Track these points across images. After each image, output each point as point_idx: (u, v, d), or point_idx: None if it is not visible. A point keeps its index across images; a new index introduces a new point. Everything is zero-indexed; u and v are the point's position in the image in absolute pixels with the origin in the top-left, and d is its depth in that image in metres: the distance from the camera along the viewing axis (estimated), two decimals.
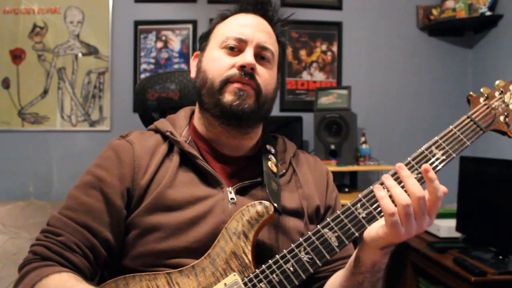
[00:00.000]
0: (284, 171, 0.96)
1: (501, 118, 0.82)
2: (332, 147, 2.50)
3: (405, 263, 2.40)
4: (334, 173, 2.59)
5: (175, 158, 0.89)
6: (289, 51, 2.90)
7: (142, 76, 2.83)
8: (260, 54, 0.91)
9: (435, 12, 2.86)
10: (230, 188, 0.88)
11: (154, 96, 1.22)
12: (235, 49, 0.90)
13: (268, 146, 0.99)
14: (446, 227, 2.29)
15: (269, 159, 0.95)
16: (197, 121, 0.97)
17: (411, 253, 2.32)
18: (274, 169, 0.94)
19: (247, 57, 0.87)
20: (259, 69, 0.90)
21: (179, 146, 0.90)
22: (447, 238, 2.28)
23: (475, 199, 2.21)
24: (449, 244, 2.17)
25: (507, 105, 0.83)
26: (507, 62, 2.57)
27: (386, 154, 2.79)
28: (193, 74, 0.98)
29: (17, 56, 2.78)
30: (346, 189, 2.50)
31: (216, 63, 0.90)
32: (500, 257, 1.95)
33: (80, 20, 2.81)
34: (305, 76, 2.91)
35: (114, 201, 0.83)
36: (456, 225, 2.26)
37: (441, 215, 2.41)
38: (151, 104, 1.21)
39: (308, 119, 2.71)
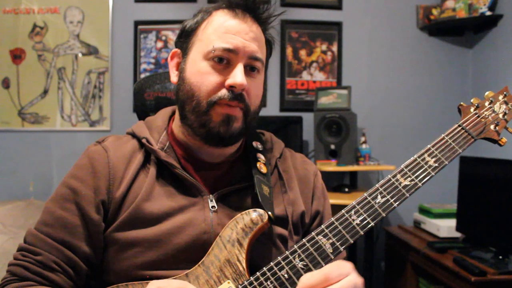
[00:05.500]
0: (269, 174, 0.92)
1: (492, 126, 0.84)
2: (332, 147, 2.50)
3: (405, 263, 2.39)
4: (334, 173, 2.63)
5: (152, 168, 0.85)
6: (289, 51, 2.90)
7: (142, 76, 2.83)
8: (250, 65, 0.85)
9: (435, 12, 2.85)
10: (210, 196, 0.85)
11: (152, 96, 1.22)
12: (224, 61, 0.82)
13: (255, 143, 0.95)
14: (446, 227, 2.29)
15: (257, 160, 0.91)
16: (176, 126, 0.91)
17: (411, 253, 2.32)
18: (264, 170, 0.90)
19: (238, 77, 0.80)
20: (249, 84, 0.83)
21: (155, 155, 0.86)
22: (447, 238, 2.28)
23: (475, 199, 2.21)
24: (449, 244, 2.17)
25: (497, 114, 0.86)
26: (507, 62, 2.56)
27: (386, 154, 2.78)
28: (173, 78, 0.91)
29: (17, 56, 2.78)
30: (346, 189, 2.50)
31: (203, 79, 0.82)
32: (500, 257, 1.95)
33: (80, 20, 2.81)
34: (305, 76, 2.91)
35: (90, 214, 0.81)
36: (456, 225, 2.26)
37: (441, 215, 2.41)
38: (149, 104, 1.21)
39: (308, 119, 2.71)
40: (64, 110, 2.80)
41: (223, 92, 0.81)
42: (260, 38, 0.87)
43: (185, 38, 0.89)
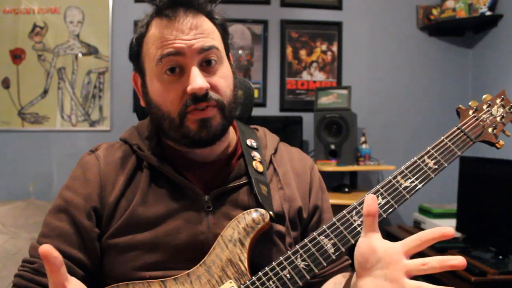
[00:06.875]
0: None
1: (490, 129, 0.86)
2: (332, 147, 2.50)
3: None
4: (334, 173, 2.64)
5: (145, 172, 0.86)
6: (289, 51, 2.90)
7: None
8: (206, 58, 0.81)
9: (435, 12, 2.86)
10: (205, 196, 0.84)
11: None
12: (176, 69, 0.80)
13: (249, 141, 0.94)
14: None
15: (253, 158, 0.90)
16: None
17: None
18: (260, 168, 0.89)
19: (195, 82, 0.78)
20: (212, 80, 0.81)
21: (147, 161, 0.87)
22: None
23: (475, 199, 2.21)
24: (449, 244, 2.17)
25: (495, 117, 0.87)
26: (507, 62, 2.56)
27: (386, 154, 2.78)
28: (141, 102, 0.89)
29: (17, 56, 2.78)
30: (346, 189, 2.50)
31: (165, 97, 0.81)
32: (500, 257, 1.95)
33: (80, 20, 2.81)
34: (305, 76, 2.91)
35: (81, 221, 0.82)
36: (456, 225, 2.26)
37: (441, 215, 2.41)
38: None
39: (308, 119, 2.71)
40: (64, 110, 2.80)
41: (187, 100, 0.79)
42: (204, 27, 0.82)
43: (136, 61, 0.88)
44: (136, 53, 0.87)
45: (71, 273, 0.79)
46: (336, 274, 0.92)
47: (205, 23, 0.83)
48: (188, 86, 0.78)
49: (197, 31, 0.80)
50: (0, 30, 2.77)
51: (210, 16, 0.85)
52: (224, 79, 0.84)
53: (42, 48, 2.79)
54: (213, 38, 0.83)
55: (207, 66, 0.82)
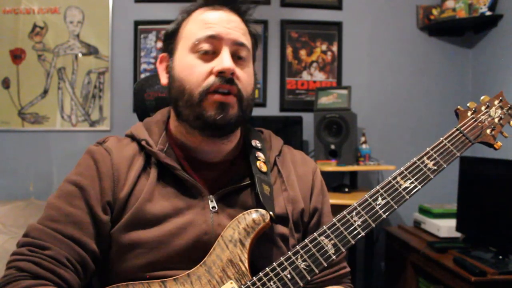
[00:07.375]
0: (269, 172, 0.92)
1: (488, 131, 0.88)
2: (332, 147, 2.50)
3: (405, 263, 2.40)
4: (334, 173, 2.64)
5: (153, 170, 0.85)
6: (289, 51, 2.90)
7: (142, 76, 2.83)
8: (237, 54, 0.85)
9: (435, 12, 2.85)
10: (211, 196, 0.85)
11: (152, 96, 1.22)
12: (210, 52, 0.83)
13: (254, 142, 0.95)
14: (446, 227, 2.29)
15: (257, 158, 0.91)
16: (174, 126, 0.91)
17: (411, 253, 2.32)
18: (264, 168, 0.90)
19: (225, 61, 0.81)
20: (238, 72, 0.84)
21: (155, 157, 0.86)
22: (447, 238, 2.28)
23: (475, 199, 2.21)
24: (449, 244, 2.17)
25: (493, 119, 0.89)
26: (507, 62, 2.56)
27: (386, 154, 2.78)
28: (164, 80, 0.91)
29: (17, 56, 2.78)
30: (346, 189, 2.50)
31: (192, 71, 0.83)
32: (500, 257, 1.95)
33: (80, 20, 2.81)
34: (305, 76, 2.91)
35: (98, 213, 0.80)
36: (456, 225, 2.26)
37: (441, 215, 2.41)
38: (149, 104, 1.21)
39: (308, 119, 2.71)
40: (64, 110, 2.80)
41: (212, 79, 0.82)
42: (243, 27, 0.88)
43: (169, 40, 0.91)
44: (172, 34, 0.90)
45: (84, 265, 0.78)
46: (333, 282, 0.92)
47: (244, 26, 0.90)
48: (216, 65, 0.82)
49: (236, 25, 0.86)
50: (0, 30, 2.77)
51: (248, 25, 0.91)
52: (247, 77, 0.87)
53: (42, 48, 2.79)
54: (247, 39, 0.89)
55: (237, 60, 0.85)
